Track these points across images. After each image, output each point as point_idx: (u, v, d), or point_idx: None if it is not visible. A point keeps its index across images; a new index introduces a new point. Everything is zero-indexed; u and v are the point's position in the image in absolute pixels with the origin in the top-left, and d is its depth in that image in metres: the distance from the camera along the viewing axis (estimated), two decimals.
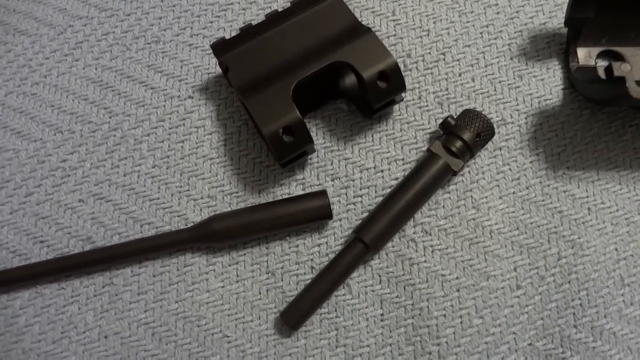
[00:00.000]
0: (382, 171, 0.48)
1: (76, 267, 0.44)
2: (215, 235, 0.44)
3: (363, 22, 0.52)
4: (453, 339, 0.43)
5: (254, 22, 0.52)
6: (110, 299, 0.45)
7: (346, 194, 0.47)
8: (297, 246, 0.46)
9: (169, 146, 0.49)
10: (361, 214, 0.47)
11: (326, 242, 0.46)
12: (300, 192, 0.47)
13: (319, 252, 0.46)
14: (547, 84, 0.50)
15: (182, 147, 0.49)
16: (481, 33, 0.52)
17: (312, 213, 0.44)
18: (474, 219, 0.46)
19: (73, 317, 0.45)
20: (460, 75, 0.51)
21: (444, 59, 0.51)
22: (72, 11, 0.54)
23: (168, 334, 0.44)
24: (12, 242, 0.47)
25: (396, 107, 0.50)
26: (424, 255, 0.45)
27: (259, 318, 0.44)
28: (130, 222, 0.47)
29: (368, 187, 0.48)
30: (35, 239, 0.47)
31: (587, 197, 0.47)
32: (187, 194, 0.48)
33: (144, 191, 0.48)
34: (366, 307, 0.44)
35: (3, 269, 0.45)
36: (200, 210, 0.47)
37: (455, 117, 0.48)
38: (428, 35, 0.52)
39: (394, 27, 0.52)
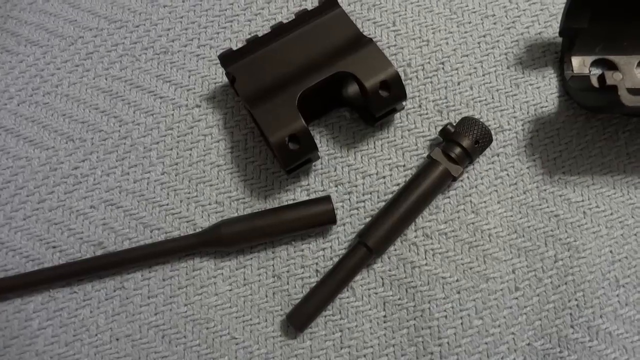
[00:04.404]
0: (384, 177, 0.49)
1: (88, 272, 0.46)
2: (224, 240, 0.45)
3: (365, 33, 0.54)
4: (454, 340, 0.45)
5: (259, 34, 0.53)
6: (121, 302, 0.46)
7: (349, 199, 0.49)
8: (303, 250, 0.47)
9: (177, 154, 0.51)
10: (364, 219, 0.48)
11: (330, 247, 0.47)
12: (305, 198, 0.49)
13: (323, 256, 0.47)
14: (542, 91, 0.52)
15: (190, 154, 0.50)
16: (479, 43, 0.54)
17: (317, 218, 0.45)
18: (473, 223, 0.48)
19: (85, 320, 0.46)
20: (458, 83, 0.52)
21: (443, 68, 0.53)
22: (82, 23, 0.56)
23: (178, 336, 0.45)
24: (26, 248, 0.48)
25: (397, 115, 0.51)
26: (425, 258, 0.47)
27: (266, 320, 0.46)
28: (141, 227, 0.48)
29: (370, 193, 0.49)
30: (48, 244, 0.48)
31: (583, 201, 0.48)
32: (195, 200, 0.49)
33: (154, 197, 0.49)
34: (369, 309, 0.46)
35: (17, 274, 0.46)
36: (209, 215, 0.48)
37: (454, 124, 0.49)
38: (427, 45, 0.54)
39: (395, 37, 0.54)
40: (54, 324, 0.46)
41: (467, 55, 0.53)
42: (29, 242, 0.48)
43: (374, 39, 0.52)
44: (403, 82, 0.47)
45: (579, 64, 0.52)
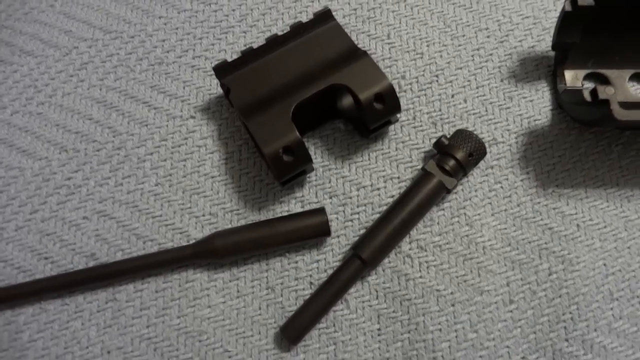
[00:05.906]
0: (378, 189, 0.49)
1: (80, 283, 0.45)
2: (217, 252, 0.45)
3: (359, 45, 0.54)
4: (449, 353, 0.45)
5: (254, 45, 0.53)
6: (113, 314, 0.46)
7: (344, 211, 0.49)
8: (297, 262, 0.47)
9: (171, 165, 0.50)
10: (358, 231, 0.48)
11: (324, 259, 0.47)
12: (300, 210, 0.49)
13: (317, 268, 0.47)
14: (536, 105, 0.52)
15: (184, 165, 0.50)
16: (472, 56, 0.54)
17: (311, 230, 0.45)
18: (467, 236, 0.48)
19: (76, 333, 0.45)
20: (452, 96, 0.53)
21: (437, 81, 0.53)
22: (77, 33, 0.56)
23: (170, 349, 0.45)
24: (17, 259, 0.48)
25: (392, 127, 0.51)
26: (420, 271, 0.47)
27: (259, 333, 0.45)
28: (134, 238, 0.48)
29: (365, 205, 0.49)
30: (39, 255, 0.48)
31: (576, 214, 0.48)
32: (189, 211, 0.49)
33: (147, 208, 0.49)
34: (364, 322, 0.45)
35: (8, 285, 0.46)
36: (202, 227, 0.48)
37: (448, 136, 0.49)
38: (422, 58, 0.54)
39: (389, 50, 0.54)
40: (45, 336, 0.45)
41: (461, 68, 0.54)
42: (21, 253, 0.48)
43: (368, 52, 0.52)
44: (397, 94, 0.47)
45: (572, 77, 0.52)
